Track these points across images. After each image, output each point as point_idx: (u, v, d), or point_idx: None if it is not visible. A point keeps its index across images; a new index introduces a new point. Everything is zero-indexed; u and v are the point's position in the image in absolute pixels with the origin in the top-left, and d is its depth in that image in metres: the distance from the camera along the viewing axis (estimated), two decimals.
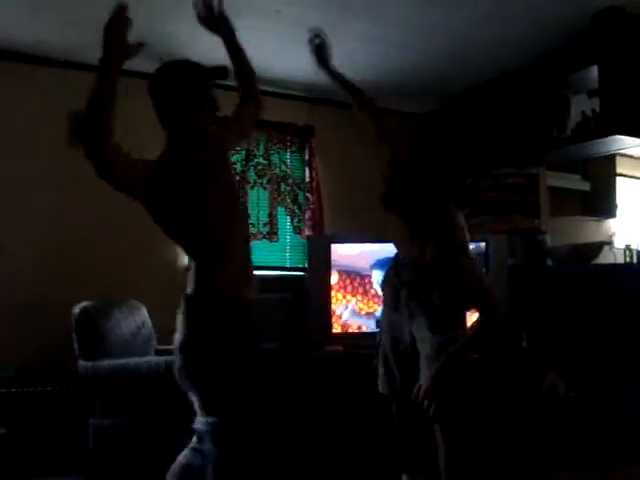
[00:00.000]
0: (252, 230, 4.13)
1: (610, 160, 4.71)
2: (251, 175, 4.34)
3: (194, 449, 2.14)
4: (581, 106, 3.79)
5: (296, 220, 4.50)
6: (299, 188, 4.54)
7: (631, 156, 4.78)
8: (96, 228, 3.82)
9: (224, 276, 2.08)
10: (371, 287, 3.71)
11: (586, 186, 4.82)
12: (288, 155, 4.54)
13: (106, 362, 3.08)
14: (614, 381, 3.42)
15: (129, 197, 2.00)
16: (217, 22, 2.29)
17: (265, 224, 4.35)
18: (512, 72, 4.10)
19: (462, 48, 3.77)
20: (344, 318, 3.70)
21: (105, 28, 1.85)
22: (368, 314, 3.72)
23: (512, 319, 3.67)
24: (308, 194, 4.52)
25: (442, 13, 3.32)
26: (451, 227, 2.33)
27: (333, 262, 3.67)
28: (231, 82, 2.31)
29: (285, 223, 4.50)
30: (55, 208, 3.77)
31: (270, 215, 4.38)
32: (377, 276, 3.62)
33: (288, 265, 4.53)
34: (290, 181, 4.51)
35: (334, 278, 3.68)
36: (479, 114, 4.44)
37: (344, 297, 3.69)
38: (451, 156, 2.49)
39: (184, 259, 4.11)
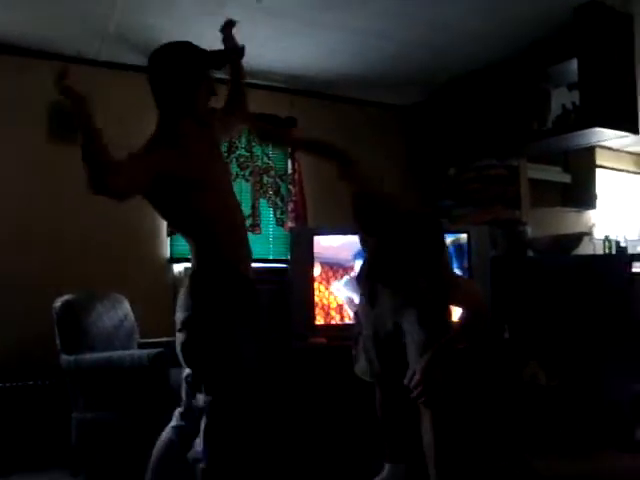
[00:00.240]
0: None
1: (590, 152, 4.77)
2: (233, 167, 4.32)
3: (175, 427, 2.23)
4: (561, 99, 3.82)
5: (279, 212, 4.50)
6: (282, 180, 4.53)
7: (610, 148, 4.85)
8: (77, 221, 3.79)
9: (227, 251, 2.13)
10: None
11: (566, 178, 4.87)
12: (270, 147, 4.53)
13: (88, 356, 3.06)
14: (594, 370, 3.47)
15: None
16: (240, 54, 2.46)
17: (248, 216, 4.33)
18: (494, 64, 4.12)
19: (444, 39, 3.76)
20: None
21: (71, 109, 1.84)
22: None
23: (494, 310, 3.71)
24: (290, 186, 4.52)
25: (424, 4, 3.31)
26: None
27: (316, 254, 3.67)
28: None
29: (268, 215, 4.49)
30: (37, 200, 3.73)
31: (253, 207, 4.37)
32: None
33: (271, 257, 4.53)
34: (272, 173, 4.50)
35: (317, 270, 3.68)
36: (461, 106, 4.46)
37: (327, 289, 3.70)
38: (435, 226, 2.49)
39: (167, 252, 4.10)
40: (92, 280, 3.64)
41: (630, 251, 4.07)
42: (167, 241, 4.09)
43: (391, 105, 4.96)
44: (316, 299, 3.67)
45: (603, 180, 5.11)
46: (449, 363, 2.35)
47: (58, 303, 3.15)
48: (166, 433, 2.25)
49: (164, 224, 3.91)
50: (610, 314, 3.47)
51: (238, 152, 4.37)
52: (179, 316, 2.11)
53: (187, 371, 2.18)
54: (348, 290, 3.67)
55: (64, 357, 3.08)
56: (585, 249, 4.18)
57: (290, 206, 4.49)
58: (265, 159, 4.48)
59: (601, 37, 3.46)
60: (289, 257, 4.02)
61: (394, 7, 3.35)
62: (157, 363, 2.90)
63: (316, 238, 3.68)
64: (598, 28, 3.45)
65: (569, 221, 4.81)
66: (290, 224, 4.45)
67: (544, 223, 4.43)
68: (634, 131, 3.62)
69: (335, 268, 3.71)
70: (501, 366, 3.65)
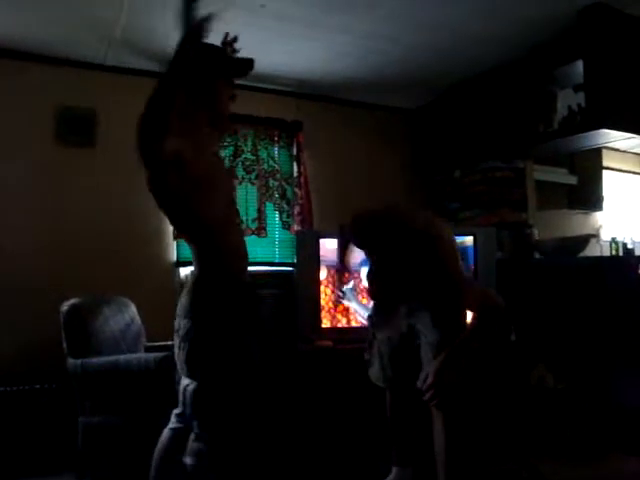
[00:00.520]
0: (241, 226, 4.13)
1: (596, 153, 4.74)
2: (239, 171, 4.33)
3: (171, 429, 2.24)
4: (567, 100, 3.81)
5: (285, 215, 4.50)
6: (287, 183, 4.54)
7: (617, 149, 4.82)
8: (84, 225, 3.81)
9: (228, 257, 2.12)
10: (360, 282, 3.72)
11: (573, 179, 4.85)
12: (276, 150, 4.53)
13: (95, 359, 3.06)
14: (602, 373, 3.45)
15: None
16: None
17: (254, 220, 4.34)
18: (499, 67, 4.11)
19: (449, 42, 3.76)
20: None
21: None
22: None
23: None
24: (296, 189, 4.52)
25: (429, 7, 3.31)
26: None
27: (322, 257, 3.67)
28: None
29: (274, 218, 4.49)
30: (43, 205, 3.75)
31: (259, 211, 4.38)
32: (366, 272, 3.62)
33: (277, 260, 4.52)
34: (278, 176, 4.50)
35: (323, 273, 3.68)
36: (467, 108, 4.46)
37: (333, 292, 3.70)
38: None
39: (173, 255, 4.11)
40: (99, 284, 3.64)
41: (637, 253, 4.05)
42: (173, 244, 4.09)
43: (397, 108, 4.96)
44: (322, 302, 3.67)
45: (610, 181, 5.09)
46: (462, 365, 2.33)
47: (65, 307, 3.16)
48: (163, 435, 2.26)
49: (170, 228, 3.92)
50: (617, 316, 3.45)
51: (244, 155, 4.37)
52: (179, 322, 2.09)
53: (186, 381, 2.14)
54: (348, 300, 3.67)
55: (71, 361, 3.09)
56: (592, 251, 4.16)
57: (296, 209, 4.49)
58: (271, 162, 4.48)
59: (606, 38, 3.46)
60: (295, 260, 4.02)
61: (399, 10, 3.35)
62: (164, 367, 2.90)
63: (322, 241, 3.69)
64: (603, 29, 3.45)
65: (576, 223, 4.79)
66: (296, 227, 4.45)
67: (550, 225, 4.42)
68: None
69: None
70: (508, 369, 3.63)
